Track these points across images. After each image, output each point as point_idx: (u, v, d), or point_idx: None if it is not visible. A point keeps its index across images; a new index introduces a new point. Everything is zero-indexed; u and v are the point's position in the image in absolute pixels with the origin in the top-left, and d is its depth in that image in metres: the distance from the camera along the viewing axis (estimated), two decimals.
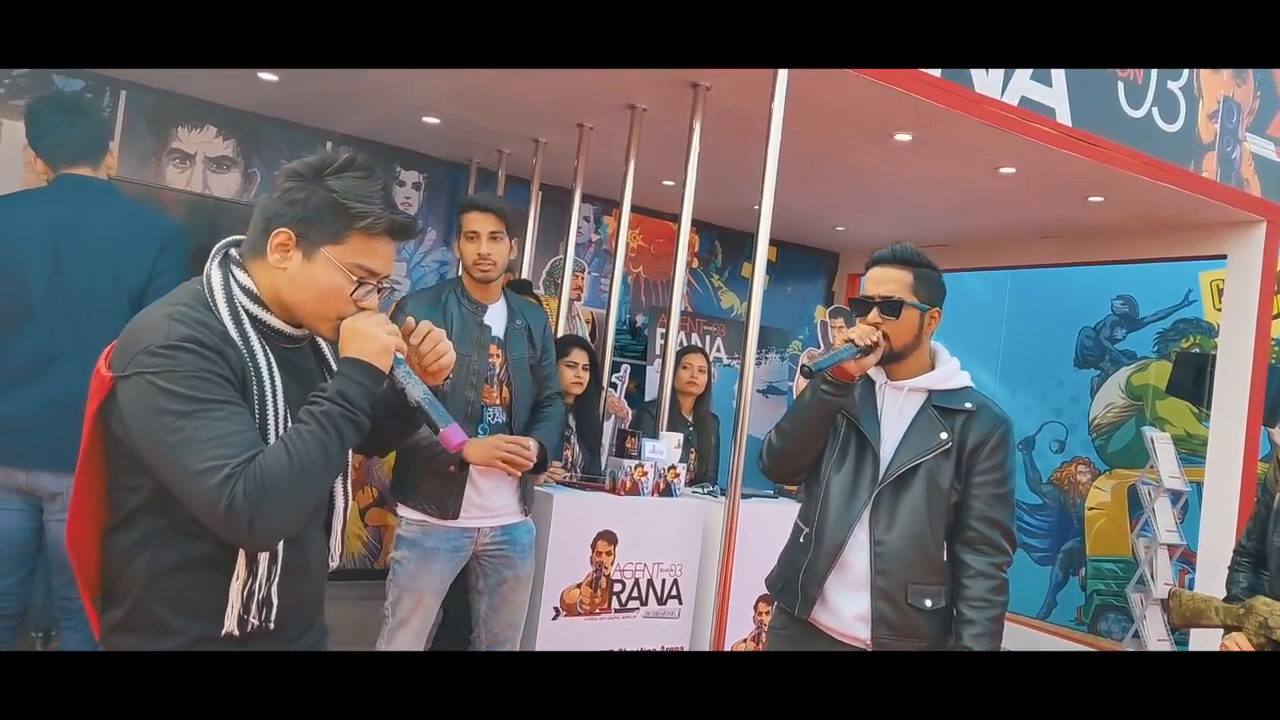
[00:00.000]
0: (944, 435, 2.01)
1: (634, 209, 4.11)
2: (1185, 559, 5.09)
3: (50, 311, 2.36)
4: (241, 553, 1.32)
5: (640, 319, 6.02)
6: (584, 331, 5.32)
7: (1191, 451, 5.45)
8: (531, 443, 2.70)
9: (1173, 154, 4.07)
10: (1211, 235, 4.65)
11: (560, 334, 4.27)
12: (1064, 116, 3.70)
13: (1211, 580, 4.67)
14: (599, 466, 3.62)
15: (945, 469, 2.00)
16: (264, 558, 1.34)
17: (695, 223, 4.22)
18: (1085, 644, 5.54)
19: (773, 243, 3.28)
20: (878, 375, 2.12)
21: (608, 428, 4.11)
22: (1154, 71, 3.99)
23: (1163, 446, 5.04)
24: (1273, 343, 5.46)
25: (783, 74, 3.08)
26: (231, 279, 1.37)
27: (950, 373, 2.09)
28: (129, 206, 2.57)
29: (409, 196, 5.27)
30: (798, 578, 2.10)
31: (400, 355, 1.39)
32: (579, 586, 3.14)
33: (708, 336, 6.08)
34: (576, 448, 3.64)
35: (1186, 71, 4.12)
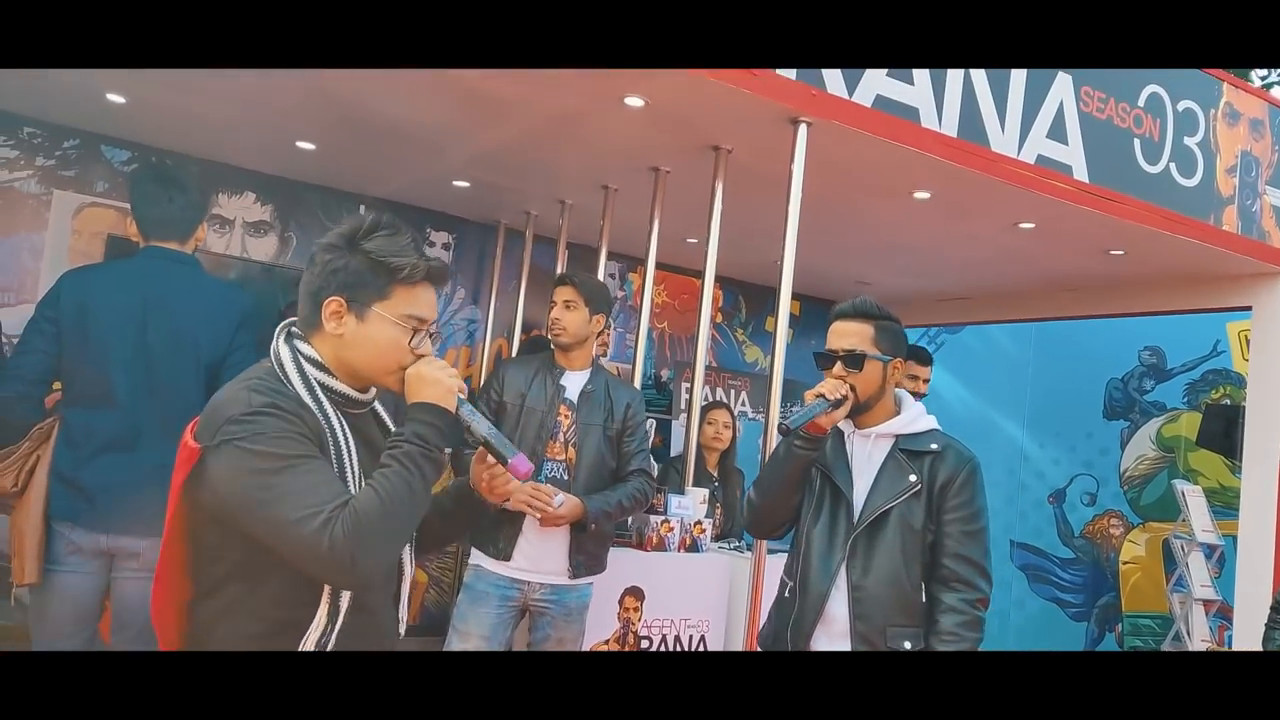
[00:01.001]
0: (912, 478, 2.07)
1: (659, 266, 4.19)
2: (1223, 614, 4.99)
3: (134, 384, 2.47)
4: (324, 604, 1.39)
5: (665, 374, 6.07)
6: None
7: (1226, 504, 5.37)
8: (560, 497, 2.78)
9: (1192, 208, 4.11)
10: (1235, 287, 4.65)
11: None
12: (1081, 173, 3.75)
13: (1250, 636, 4.57)
14: (626, 522, 3.65)
15: (917, 510, 2.06)
16: (343, 611, 1.41)
17: (719, 278, 4.30)
18: None
19: (796, 297, 3.34)
20: (845, 425, 2.19)
21: None
22: (1169, 128, 4.04)
23: (1194, 500, 4.98)
24: None
25: (802, 135, 3.17)
26: (298, 352, 1.47)
27: (915, 416, 2.17)
28: (210, 282, 2.72)
29: (439, 256, 5.40)
30: (786, 632, 2.14)
31: (462, 396, 1.49)
32: (607, 643, 3.15)
33: (732, 390, 6.12)
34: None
35: (1202, 128, 4.17)
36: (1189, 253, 4.27)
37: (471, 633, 2.79)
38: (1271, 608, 2.60)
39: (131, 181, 2.74)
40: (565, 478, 2.92)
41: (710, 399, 5.65)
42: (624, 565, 3.22)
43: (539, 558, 2.85)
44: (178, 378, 2.49)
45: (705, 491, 3.62)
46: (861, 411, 2.13)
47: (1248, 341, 4.76)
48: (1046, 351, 6.84)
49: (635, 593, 3.20)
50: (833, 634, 2.07)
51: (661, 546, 3.30)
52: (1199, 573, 4.89)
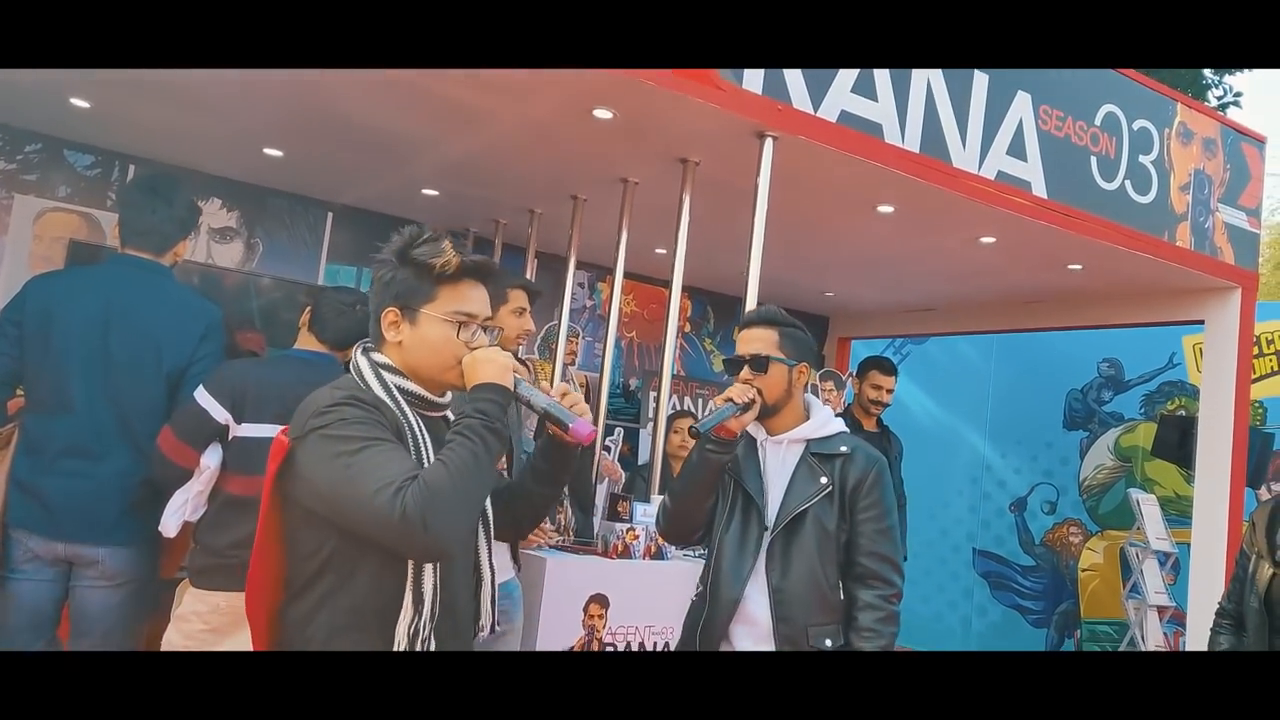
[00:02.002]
0: (824, 480, 2.13)
1: (627, 275, 4.23)
2: (1177, 620, 5.10)
3: (93, 392, 2.45)
4: (408, 592, 1.46)
5: (634, 383, 6.10)
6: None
7: (1182, 513, 5.49)
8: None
9: (1147, 224, 4.21)
10: (1189, 301, 4.77)
11: None
12: (1039, 189, 3.84)
13: (1202, 642, 4.67)
14: (591, 529, 3.66)
15: (830, 511, 2.12)
16: (429, 598, 1.48)
17: (687, 288, 4.33)
18: None
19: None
20: (758, 433, 2.24)
21: (600, 490, 4.16)
22: (1125, 146, 4.15)
23: (1149, 508, 5.10)
24: (1254, 405, 5.55)
25: (768, 149, 3.22)
26: (373, 360, 1.58)
27: (824, 421, 2.23)
28: (178, 291, 2.69)
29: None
30: (695, 636, 2.17)
31: (519, 376, 1.57)
32: (572, 650, 3.16)
33: (700, 399, 6.16)
34: (570, 510, 3.69)
35: (1156, 146, 4.28)
36: (1144, 267, 4.38)
37: None
38: (1216, 613, 2.68)
39: (124, 187, 2.74)
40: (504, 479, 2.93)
41: (678, 408, 5.69)
42: (589, 573, 3.23)
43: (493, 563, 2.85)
44: (138, 386, 2.47)
45: None
46: (770, 415, 2.19)
47: (1202, 354, 4.88)
48: (1008, 363, 6.96)
49: (600, 600, 3.21)
50: (755, 637, 2.11)
51: (626, 554, 3.32)
52: (1153, 579, 5.00)
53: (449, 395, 1.64)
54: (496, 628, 1.71)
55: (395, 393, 1.54)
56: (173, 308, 2.58)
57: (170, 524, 2.37)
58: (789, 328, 2.22)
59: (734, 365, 2.21)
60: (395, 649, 1.46)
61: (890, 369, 4.60)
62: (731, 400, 2.10)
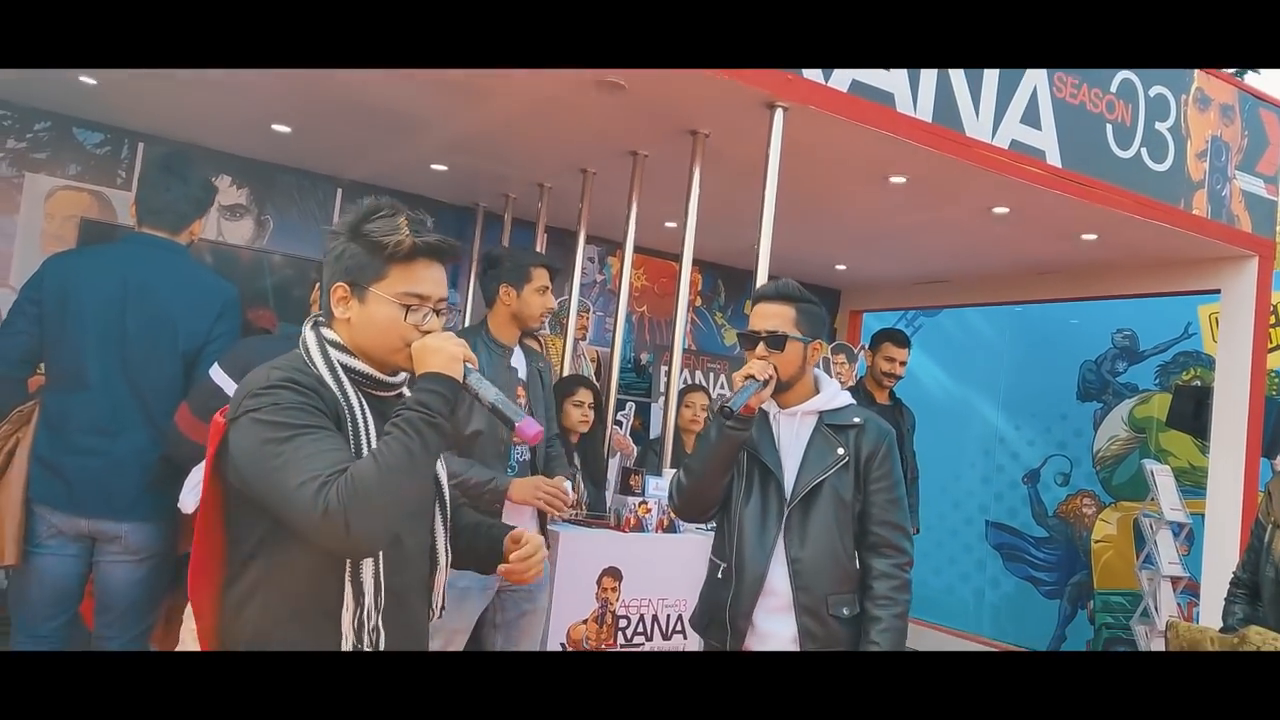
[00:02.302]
0: (840, 450, 2.15)
1: (637, 250, 4.21)
2: (1190, 591, 5.09)
3: (110, 369, 2.47)
4: (346, 583, 1.41)
5: (645, 357, 6.10)
6: (589, 370, 5.40)
7: (1196, 484, 5.47)
8: (567, 484, 2.85)
9: (1163, 192, 4.16)
10: (1205, 270, 4.72)
11: (566, 373, 4.36)
12: (1054, 158, 3.80)
13: (1215, 612, 4.67)
14: (604, 503, 3.68)
15: (846, 481, 2.14)
16: (369, 588, 1.43)
17: (697, 262, 4.31)
18: None
19: (773, 280, 3.35)
20: (770, 406, 2.25)
21: (613, 465, 4.18)
22: (1141, 113, 4.09)
23: (1163, 479, 5.07)
24: (1270, 374, 5.51)
25: (778, 120, 3.19)
26: (321, 336, 1.52)
27: (834, 393, 2.24)
28: (195, 270, 2.70)
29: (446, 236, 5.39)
30: (724, 613, 2.18)
31: (470, 365, 1.49)
32: (585, 622, 3.19)
33: (711, 373, 6.16)
34: (582, 485, 3.71)
35: (1173, 113, 4.22)
36: (1160, 236, 4.34)
37: (456, 629, 2.79)
38: (1230, 582, 2.67)
39: (141, 167, 2.75)
40: (529, 458, 2.92)
41: (689, 382, 5.69)
42: (602, 546, 3.25)
43: None
44: (154, 364, 2.49)
45: None
46: (783, 391, 2.19)
47: (1218, 323, 4.84)
48: (1022, 334, 6.91)
49: (613, 573, 3.23)
50: (773, 608, 2.13)
51: (639, 527, 3.33)
52: (1167, 550, 4.99)
53: (403, 375, 1.57)
54: (443, 611, 1.66)
55: (340, 372, 1.48)
56: (189, 286, 2.60)
57: (188, 500, 2.39)
58: (805, 303, 2.22)
59: (749, 340, 2.20)
60: (343, 643, 1.40)
61: (903, 341, 4.58)
62: (753, 377, 2.10)
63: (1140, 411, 6.25)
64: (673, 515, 3.41)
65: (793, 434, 2.21)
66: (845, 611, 2.11)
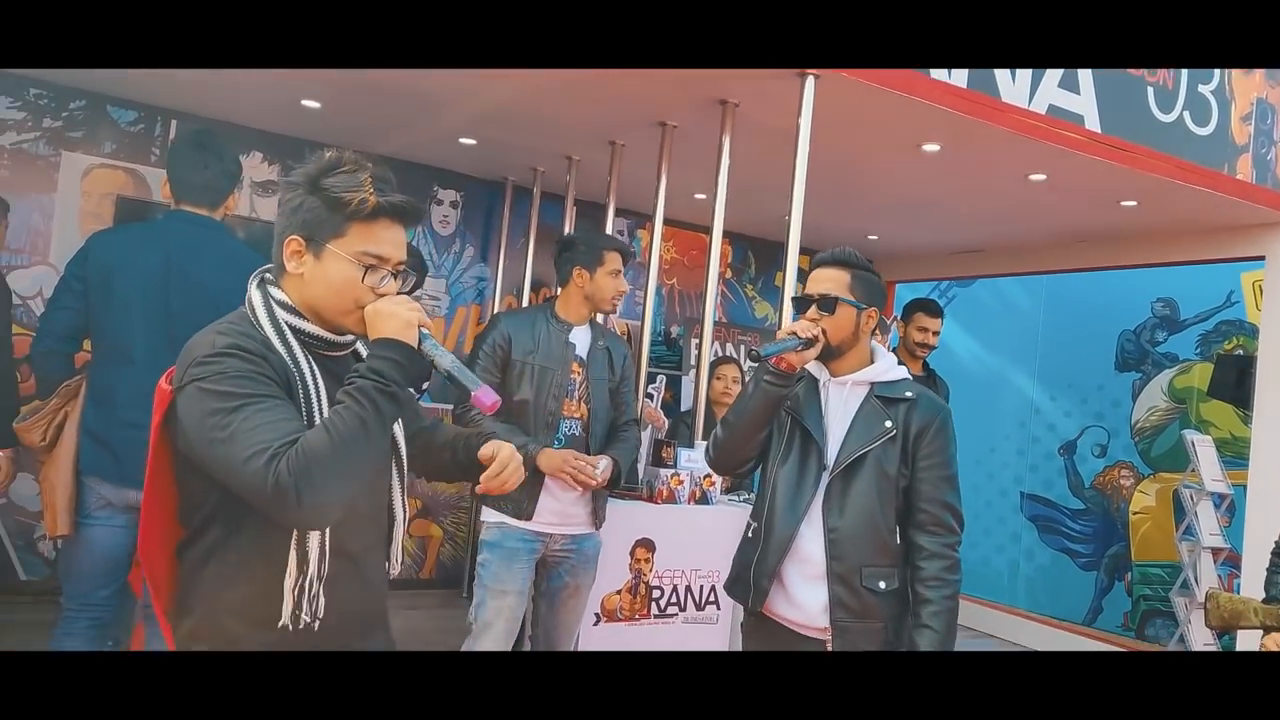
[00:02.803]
0: (888, 423, 2.11)
1: (667, 222, 4.19)
2: (1231, 562, 5.02)
3: (155, 345, 2.51)
4: (292, 550, 1.40)
5: (675, 330, 6.09)
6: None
7: (1237, 454, 5.38)
8: (603, 462, 2.86)
9: (1206, 157, 4.06)
10: (1249, 236, 4.61)
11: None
12: (1093, 123, 3.71)
13: (1257, 583, 4.60)
14: (636, 475, 3.69)
15: (892, 455, 2.10)
16: (314, 557, 1.40)
17: (728, 234, 4.28)
18: (1132, 649, 5.48)
19: (805, 252, 3.33)
20: (821, 373, 2.21)
21: (645, 437, 4.18)
22: (1184, 76, 3.98)
23: (1204, 449, 4.99)
24: None
25: (809, 88, 3.14)
26: (269, 295, 1.46)
27: (889, 366, 2.20)
28: (234, 245, 2.75)
29: (447, 215, 5.39)
30: (749, 572, 2.17)
31: (426, 330, 1.43)
32: (619, 593, 3.21)
33: (742, 345, 6.13)
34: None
35: (1217, 75, 4.11)
36: (1202, 202, 4.23)
37: (509, 589, 2.84)
38: (1273, 552, 2.63)
39: (172, 146, 2.79)
40: (581, 434, 2.96)
41: (720, 354, 5.67)
42: (635, 517, 3.26)
43: (564, 512, 2.89)
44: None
45: None
46: (834, 357, 2.16)
47: (1262, 291, 4.72)
48: (1058, 304, 6.81)
49: (646, 544, 3.25)
50: (808, 575, 2.11)
51: (672, 499, 3.34)
52: (1208, 521, 4.91)
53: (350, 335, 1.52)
54: (398, 567, 1.65)
55: (288, 335, 1.43)
56: (228, 262, 2.63)
57: None
58: (862, 270, 2.18)
59: (802, 304, 2.18)
60: (284, 605, 1.39)
61: (936, 311, 4.52)
62: (795, 334, 2.08)
63: (1180, 382, 6.14)
64: (706, 486, 3.42)
65: (841, 402, 2.17)
66: (882, 585, 2.08)
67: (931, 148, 3.86)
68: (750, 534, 2.24)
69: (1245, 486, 4.88)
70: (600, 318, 3.22)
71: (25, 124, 4.33)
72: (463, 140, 4.59)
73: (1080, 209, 4.65)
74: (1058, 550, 6.73)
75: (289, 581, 1.40)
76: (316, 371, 1.44)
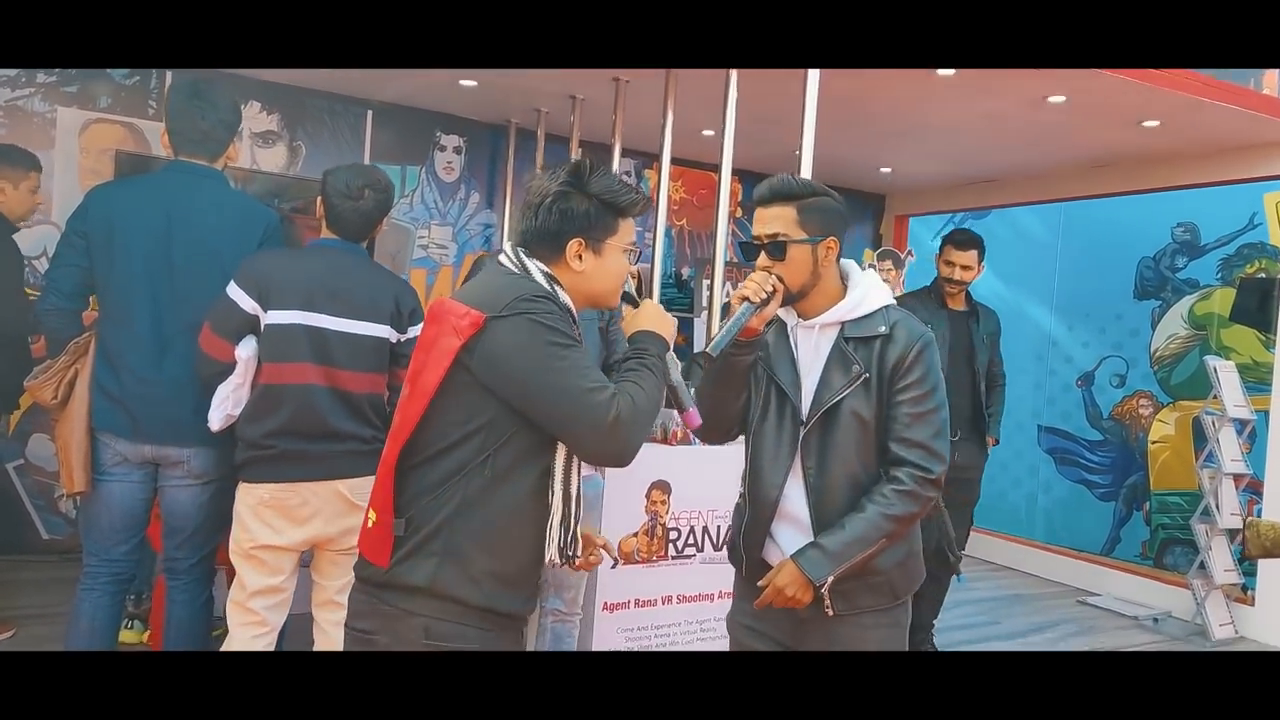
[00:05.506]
0: (856, 368, 1.89)
1: (674, 161, 4.10)
2: (1253, 489, 4.99)
3: (159, 298, 2.49)
4: (558, 494, 1.56)
5: (686, 271, 6.02)
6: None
7: (1259, 380, 5.31)
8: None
9: (1231, 73, 3.93)
10: (1274, 155, 4.49)
11: None
12: None
13: (1277, 510, 4.58)
14: None
15: (868, 400, 1.89)
16: (574, 500, 1.59)
17: (737, 172, 4.16)
18: (1151, 578, 5.48)
19: None
20: (789, 316, 2.00)
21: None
22: None
23: (1226, 375, 4.92)
24: None
25: None
26: (545, 271, 1.63)
27: (860, 298, 1.95)
28: (236, 197, 2.70)
29: (450, 161, 5.31)
30: (740, 538, 2.03)
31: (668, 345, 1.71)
32: (635, 535, 3.21)
33: None
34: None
35: None
36: (1227, 120, 4.11)
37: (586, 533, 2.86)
38: None
39: (169, 95, 2.72)
40: None
41: (731, 295, 5.61)
42: (650, 460, 3.24)
43: None
44: (201, 292, 2.49)
45: None
46: (799, 299, 1.93)
47: None
48: (1076, 233, 6.69)
49: (662, 486, 3.23)
50: (799, 531, 1.92)
51: (686, 441, 3.32)
52: (1230, 448, 4.86)
53: None
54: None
55: (564, 300, 1.61)
56: (230, 213, 2.59)
57: (214, 418, 2.42)
58: (809, 197, 1.93)
59: (750, 250, 1.96)
60: (549, 542, 1.55)
61: (965, 242, 4.07)
62: (748, 300, 1.86)
63: (1201, 308, 6.05)
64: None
65: (812, 348, 1.96)
66: None
67: (945, 72, 3.75)
68: (740, 499, 2.08)
69: (1267, 412, 4.82)
70: None
71: (19, 80, 4.26)
72: (463, 82, 4.49)
73: (1100, 131, 4.52)
74: (1075, 482, 6.71)
75: (556, 518, 1.57)
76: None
